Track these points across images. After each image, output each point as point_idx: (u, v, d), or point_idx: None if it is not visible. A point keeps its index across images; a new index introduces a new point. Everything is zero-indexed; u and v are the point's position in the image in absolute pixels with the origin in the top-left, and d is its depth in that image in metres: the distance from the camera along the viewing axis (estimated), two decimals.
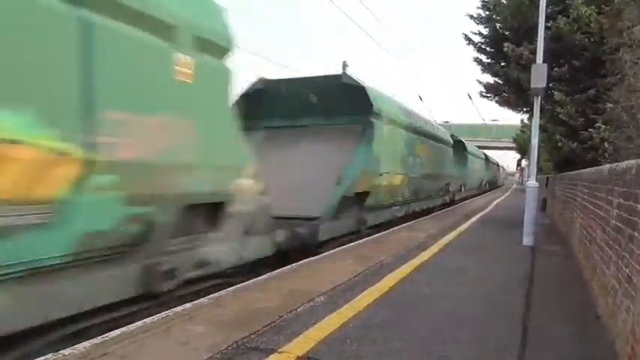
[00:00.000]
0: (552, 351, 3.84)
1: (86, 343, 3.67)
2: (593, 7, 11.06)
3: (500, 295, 5.60)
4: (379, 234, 10.83)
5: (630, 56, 8.35)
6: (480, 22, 14.99)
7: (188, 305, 4.79)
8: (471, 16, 14.99)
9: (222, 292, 5.37)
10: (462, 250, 8.75)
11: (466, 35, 15.34)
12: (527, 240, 9.49)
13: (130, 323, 4.21)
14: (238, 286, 5.67)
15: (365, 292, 5.44)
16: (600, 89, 10.98)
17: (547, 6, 9.90)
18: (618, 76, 9.18)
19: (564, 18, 11.42)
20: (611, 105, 9.94)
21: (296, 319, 4.40)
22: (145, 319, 4.34)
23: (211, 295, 5.20)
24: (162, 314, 4.48)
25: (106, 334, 3.89)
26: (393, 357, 3.58)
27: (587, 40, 11.34)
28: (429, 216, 16.17)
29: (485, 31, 15.06)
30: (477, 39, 15.24)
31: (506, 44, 12.54)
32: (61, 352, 3.52)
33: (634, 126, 8.39)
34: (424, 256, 7.96)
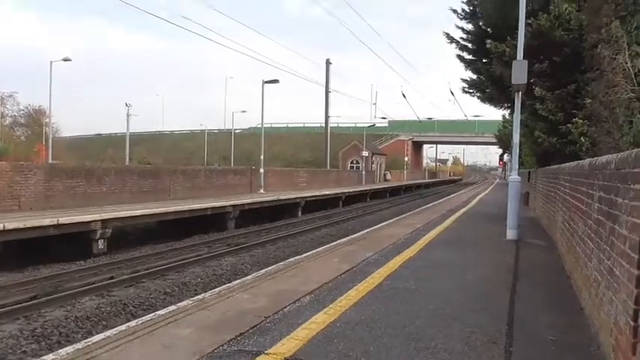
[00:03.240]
0: (538, 343, 3.87)
1: (69, 348, 3.60)
2: (573, 4, 11.20)
3: (487, 289, 5.64)
4: (365, 231, 10.84)
5: (609, 52, 8.45)
6: (464, 17, 15.09)
7: (172, 308, 4.73)
8: (455, 11, 15.08)
9: (207, 293, 5.31)
10: (448, 245, 8.80)
11: (448, 34, 15.45)
12: (511, 234, 9.58)
13: None
14: (223, 287, 5.62)
15: (352, 290, 5.43)
16: (580, 84, 11.14)
17: (528, 4, 10.01)
18: (597, 72, 9.30)
19: (545, 15, 11.55)
20: (590, 100, 10.08)
21: (283, 319, 4.36)
22: (128, 323, 4.28)
23: (195, 297, 5.15)
24: (147, 317, 4.42)
25: (88, 339, 3.82)
26: (381, 354, 3.57)
27: (567, 36, 11.48)
28: (415, 211, 16.25)
29: (468, 27, 15.18)
30: (458, 35, 15.35)
31: (488, 41, 12.63)
32: (43, 357, 3.44)
33: (613, 120, 8.52)
34: (410, 252, 7.98)
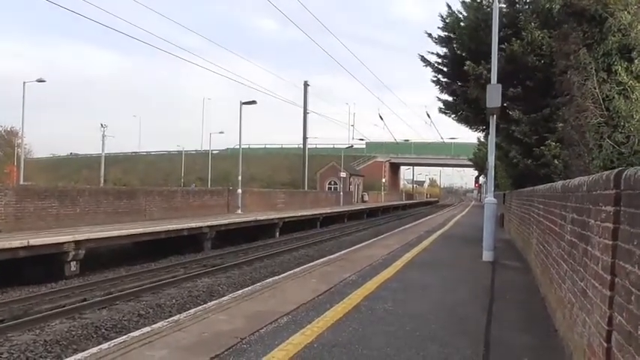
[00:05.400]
0: None
1: None
2: (545, 30, 11.60)
3: (463, 310, 5.67)
4: (343, 251, 10.82)
5: (578, 78, 8.76)
6: (439, 42, 15.43)
7: (147, 329, 4.62)
8: (430, 35, 15.40)
9: (183, 314, 5.21)
10: (425, 267, 8.83)
11: (423, 57, 15.76)
12: (488, 255, 9.68)
13: None
14: (199, 308, 5.52)
15: (329, 311, 5.39)
16: (552, 108, 11.47)
17: (501, 29, 10.33)
18: (567, 97, 9.60)
19: (518, 41, 11.92)
20: (561, 124, 10.38)
21: (259, 340, 4.30)
22: (100, 345, 4.16)
23: (171, 318, 5.04)
24: (120, 339, 4.30)
25: None
26: None
27: (539, 61, 11.86)
28: (392, 232, 16.31)
29: (442, 52, 15.52)
30: (433, 59, 15.68)
31: (467, 63, 12.91)
32: None
33: (583, 144, 8.77)
34: (388, 273, 7.99)
